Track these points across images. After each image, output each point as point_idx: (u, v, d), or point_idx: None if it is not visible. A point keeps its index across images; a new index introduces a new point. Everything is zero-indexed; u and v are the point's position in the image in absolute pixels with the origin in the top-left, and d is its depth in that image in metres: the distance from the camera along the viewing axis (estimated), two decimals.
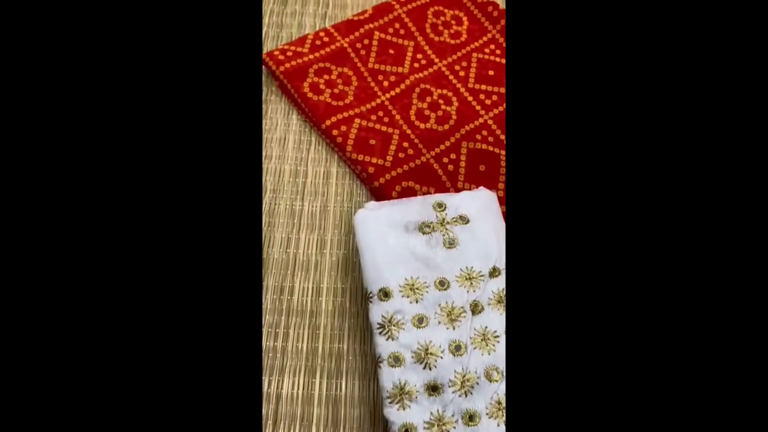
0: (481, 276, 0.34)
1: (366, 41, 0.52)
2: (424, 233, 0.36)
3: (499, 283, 0.34)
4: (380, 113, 0.48)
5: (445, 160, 0.45)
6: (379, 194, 0.44)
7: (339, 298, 0.41)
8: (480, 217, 0.36)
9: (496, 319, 0.33)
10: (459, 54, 0.52)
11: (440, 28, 0.54)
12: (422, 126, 0.47)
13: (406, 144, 0.46)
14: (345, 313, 0.40)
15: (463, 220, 0.36)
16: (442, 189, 0.44)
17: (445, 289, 0.33)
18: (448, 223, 0.36)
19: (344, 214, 0.45)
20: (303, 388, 0.38)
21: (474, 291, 0.33)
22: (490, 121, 0.48)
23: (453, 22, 0.54)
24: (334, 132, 0.46)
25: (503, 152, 0.46)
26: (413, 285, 0.34)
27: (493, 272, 0.34)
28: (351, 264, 0.43)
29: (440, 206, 0.37)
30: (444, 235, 0.36)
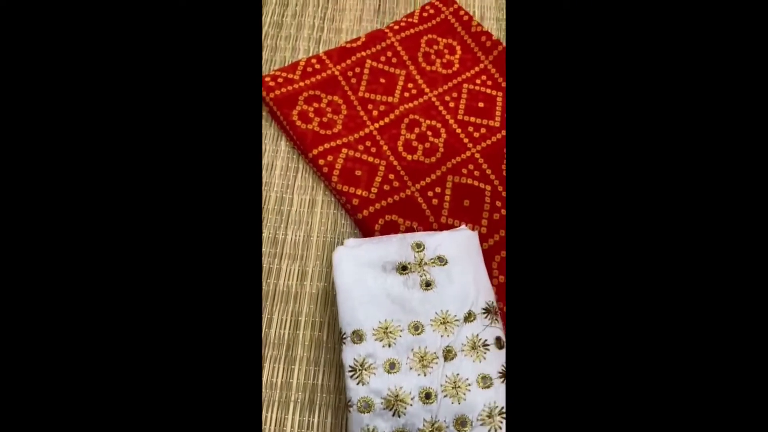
0: (456, 320, 0.34)
1: (357, 69, 0.52)
2: (401, 274, 0.35)
3: (474, 329, 0.34)
4: (368, 143, 0.48)
5: (430, 193, 0.45)
6: (363, 226, 0.44)
7: (317, 332, 0.41)
8: (458, 259, 0.36)
9: (468, 367, 0.32)
10: (450, 84, 0.52)
11: (433, 57, 0.54)
12: (409, 157, 0.47)
13: (391, 176, 0.46)
14: (322, 347, 0.40)
15: (441, 261, 0.36)
16: (425, 223, 0.44)
17: (418, 334, 0.33)
18: (425, 263, 0.36)
19: (327, 245, 0.45)
20: (275, 424, 0.37)
21: (448, 336, 0.33)
22: (477, 155, 0.48)
23: (446, 51, 0.54)
24: (321, 161, 0.46)
25: (488, 187, 0.46)
26: (387, 328, 0.34)
27: (468, 317, 0.34)
28: (330, 297, 0.43)
29: (419, 246, 0.36)
30: (421, 276, 0.35)
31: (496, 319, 0.35)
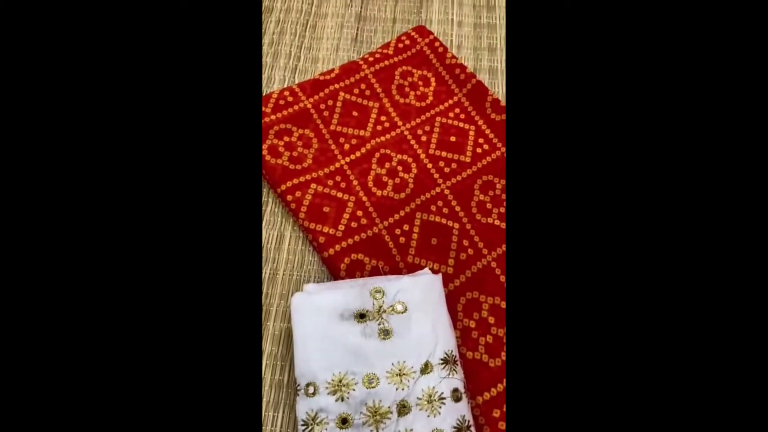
0: (413, 372, 0.34)
1: (330, 102, 0.52)
2: (359, 322, 0.35)
3: (431, 381, 0.33)
4: (338, 178, 0.48)
5: (398, 231, 0.45)
6: (329, 265, 0.43)
7: (277, 376, 0.40)
8: (419, 305, 0.36)
9: (422, 422, 0.32)
10: (423, 117, 0.52)
11: (407, 89, 0.53)
12: (378, 193, 0.47)
13: (360, 212, 0.46)
14: (282, 390, 0.40)
15: (401, 308, 0.36)
16: (391, 262, 0.43)
17: (373, 387, 0.33)
18: (384, 311, 0.35)
19: (293, 284, 0.44)
20: None
21: (403, 389, 0.33)
22: (446, 191, 0.47)
23: (420, 83, 0.54)
24: (289, 197, 0.46)
25: (456, 225, 0.45)
26: (341, 381, 0.33)
27: (425, 368, 0.34)
28: (292, 338, 0.42)
29: (378, 293, 0.36)
30: (380, 324, 0.35)
31: (455, 369, 0.35)
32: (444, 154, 0.49)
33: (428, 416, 0.32)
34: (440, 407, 0.32)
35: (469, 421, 0.33)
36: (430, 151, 0.49)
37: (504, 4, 0.63)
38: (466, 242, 0.44)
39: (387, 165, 0.48)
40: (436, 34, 0.59)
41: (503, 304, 0.41)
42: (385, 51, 0.55)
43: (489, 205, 0.46)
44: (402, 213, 0.46)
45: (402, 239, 0.44)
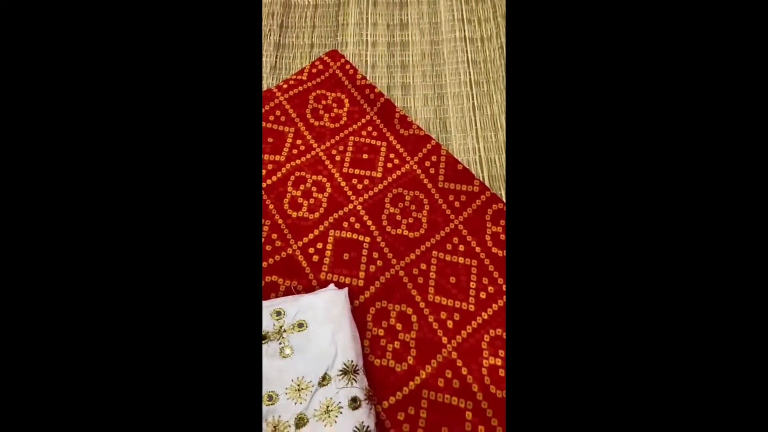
0: (311, 386, 0.35)
1: None
2: (262, 344, 0.37)
3: (328, 392, 0.35)
4: None
5: (311, 250, 0.47)
6: None
7: None
8: (319, 321, 0.38)
9: (319, 431, 0.34)
10: (337, 138, 0.54)
11: (321, 112, 0.56)
12: (294, 215, 0.49)
13: (274, 235, 0.48)
14: None
15: (301, 326, 0.37)
16: (304, 281, 0.45)
17: (272, 404, 0.35)
18: (285, 331, 0.37)
19: None
20: None
21: (301, 403, 0.35)
22: (359, 207, 0.49)
23: (334, 105, 0.56)
24: None
25: (368, 239, 0.47)
26: None
27: (323, 380, 0.36)
28: None
29: (278, 314, 0.38)
30: (280, 344, 0.37)
31: (354, 379, 0.36)
32: (357, 171, 0.52)
33: (325, 425, 0.34)
34: (337, 416, 0.34)
35: (368, 427, 0.35)
36: (344, 170, 0.52)
37: (416, 21, 0.66)
38: (375, 254, 0.46)
39: (302, 187, 0.51)
40: (351, 56, 0.62)
41: (410, 311, 0.44)
42: (299, 77, 0.58)
43: (398, 217, 0.49)
44: (316, 232, 0.48)
45: (315, 257, 0.46)
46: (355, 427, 0.34)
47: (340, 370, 0.36)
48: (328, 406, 0.35)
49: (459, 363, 0.41)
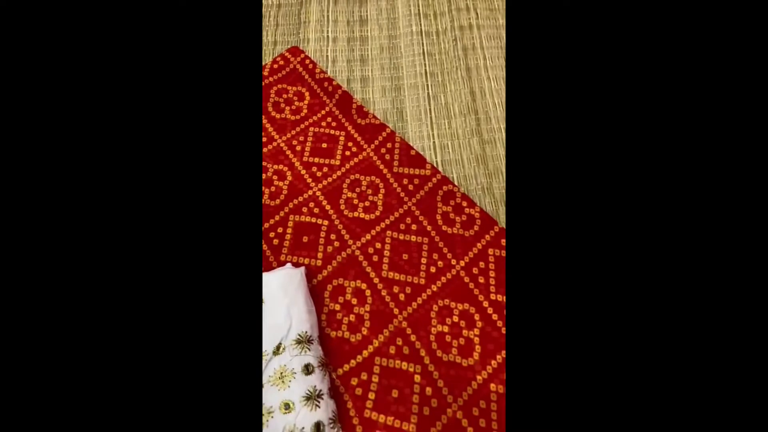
0: (266, 355, 0.38)
1: None
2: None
3: (282, 360, 0.38)
4: None
5: (272, 234, 0.49)
6: None
7: None
8: (274, 296, 0.40)
9: (273, 395, 0.36)
10: (298, 129, 0.57)
11: (282, 105, 0.58)
12: None
13: None
14: None
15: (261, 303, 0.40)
16: (265, 263, 0.48)
17: None
18: None
19: None
20: None
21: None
22: (318, 193, 0.52)
23: (295, 98, 0.59)
24: None
25: (326, 222, 0.50)
26: None
27: (277, 350, 0.38)
28: None
29: None
30: None
31: (308, 348, 0.39)
32: (316, 160, 0.54)
33: (278, 390, 0.36)
34: (290, 381, 0.37)
35: (320, 390, 0.37)
36: (304, 159, 0.54)
37: (375, 17, 0.69)
38: (333, 236, 0.49)
39: (263, 176, 0.53)
40: (313, 52, 0.65)
41: (364, 286, 0.46)
42: (261, 74, 0.60)
43: (355, 201, 0.51)
44: (276, 218, 0.50)
45: (276, 241, 0.49)
46: (307, 390, 0.37)
47: (294, 340, 0.39)
48: (282, 373, 0.37)
49: (409, 331, 0.44)
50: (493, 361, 0.42)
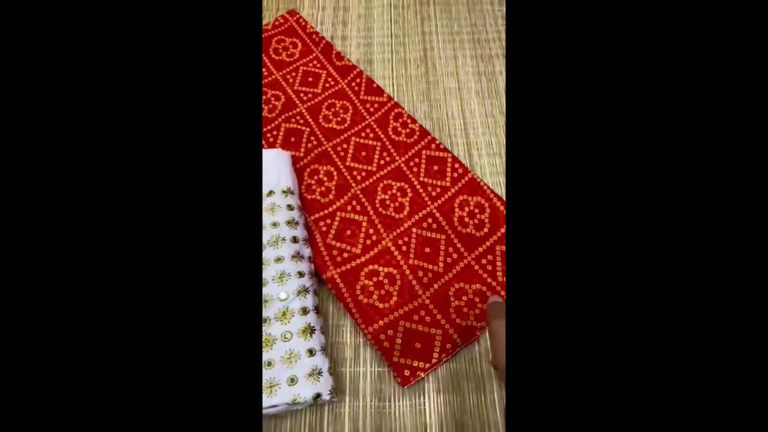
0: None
1: None
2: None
3: (275, 199, 0.56)
4: None
5: (269, 136, 0.68)
6: None
7: None
8: (267, 165, 0.59)
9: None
10: (290, 68, 0.75)
11: (280, 51, 0.77)
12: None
13: None
14: None
15: None
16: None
17: None
18: None
19: None
20: None
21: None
22: (304, 110, 0.71)
23: (290, 46, 0.78)
24: None
25: (307, 129, 0.68)
26: None
27: (269, 194, 0.56)
28: None
29: None
30: None
31: (296, 203, 0.57)
32: (304, 89, 0.73)
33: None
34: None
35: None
36: (295, 88, 0.73)
37: None
38: (313, 141, 0.67)
39: (263, 97, 0.71)
40: (306, 15, 0.84)
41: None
42: (266, 27, 0.79)
43: (330, 117, 0.70)
44: (271, 126, 0.69)
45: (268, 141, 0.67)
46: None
47: (283, 190, 0.57)
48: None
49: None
50: None
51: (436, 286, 0.55)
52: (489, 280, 0.56)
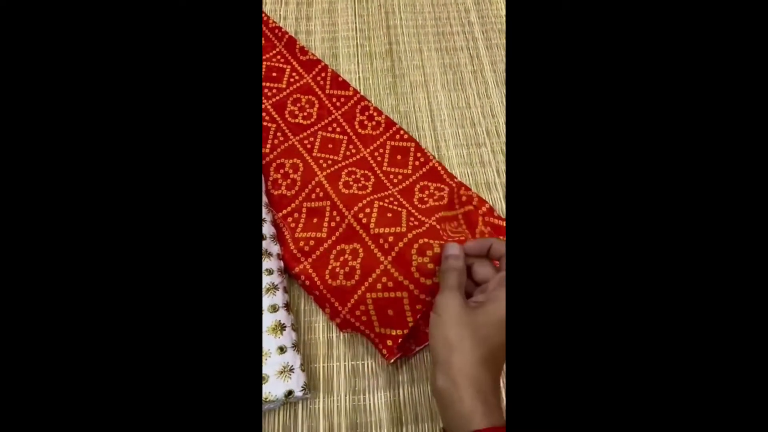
0: None
1: None
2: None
3: None
4: None
5: None
6: None
7: None
8: None
9: None
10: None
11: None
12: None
13: None
14: None
15: None
16: None
17: None
18: None
19: None
20: None
21: None
22: (269, 105, 0.69)
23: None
24: None
25: (273, 125, 0.67)
26: None
27: None
28: None
29: None
30: None
31: (263, 200, 0.56)
32: (268, 84, 0.72)
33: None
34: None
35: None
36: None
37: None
38: (279, 135, 0.66)
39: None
40: (269, 11, 0.82)
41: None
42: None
43: (296, 112, 0.69)
44: None
45: None
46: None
47: None
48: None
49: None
50: None
51: (397, 247, 0.51)
52: (456, 237, 0.53)
